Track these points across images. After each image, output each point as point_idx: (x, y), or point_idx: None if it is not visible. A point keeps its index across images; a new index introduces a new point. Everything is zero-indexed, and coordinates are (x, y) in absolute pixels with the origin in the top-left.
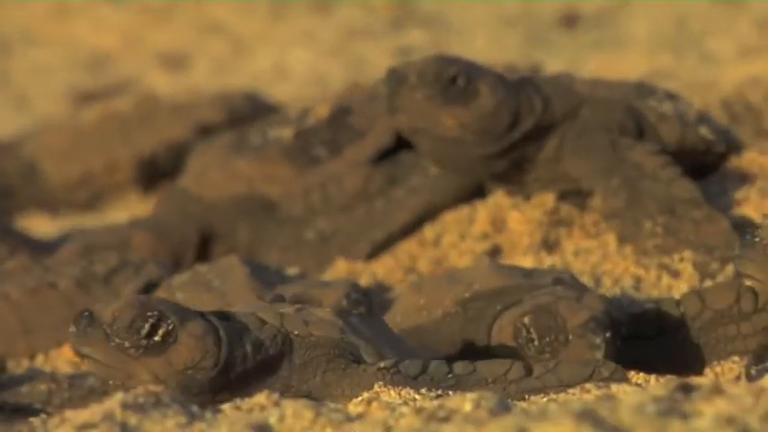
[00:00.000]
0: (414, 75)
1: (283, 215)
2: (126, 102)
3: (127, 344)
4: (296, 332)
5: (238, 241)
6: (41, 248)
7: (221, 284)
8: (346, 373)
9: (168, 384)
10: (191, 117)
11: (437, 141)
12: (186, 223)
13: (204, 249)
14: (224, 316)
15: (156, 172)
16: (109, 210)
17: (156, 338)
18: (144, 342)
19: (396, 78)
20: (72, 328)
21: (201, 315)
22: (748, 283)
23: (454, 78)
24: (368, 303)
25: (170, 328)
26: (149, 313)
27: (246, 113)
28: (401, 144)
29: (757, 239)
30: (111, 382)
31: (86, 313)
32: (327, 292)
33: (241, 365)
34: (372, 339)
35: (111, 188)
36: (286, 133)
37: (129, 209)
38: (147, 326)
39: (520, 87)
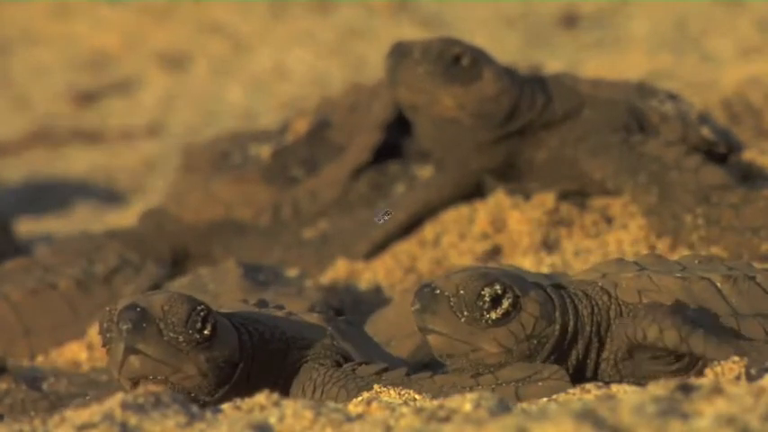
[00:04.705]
0: (418, 49)
1: (258, 230)
2: None
3: (180, 338)
4: (289, 334)
5: (213, 262)
6: (15, 253)
7: (216, 287)
8: (335, 376)
9: (210, 379)
10: None
11: (434, 122)
12: (162, 241)
13: (178, 268)
14: (227, 314)
15: None
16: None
17: (206, 332)
18: (197, 336)
19: (400, 51)
20: (126, 325)
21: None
22: (430, 338)
23: (458, 58)
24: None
25: (215, 322)
26: (200, 308)
27: None
28: (387, 154)
29: (438, 291)
30: (152, 377)
31: (138, 308)
32: (294, 302)
33: (249, 360)
34: (360, 344)
35: None
36: (264, 151)
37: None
38: (199, 320)
39: (525, 82)
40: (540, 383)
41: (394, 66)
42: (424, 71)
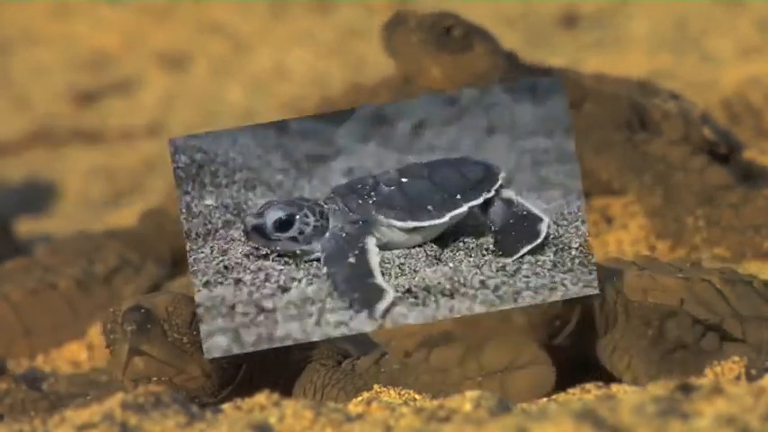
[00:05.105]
0: (413, 19)
1: None
2: None
3: (185, 339)
4: None
5: None
6: (15, 253)
7: None
8: (334, 377)
9: (214, 380)
10: None
11: None
12: (162, 241)
13: (178, 268)
14: None
15: None
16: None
17: None
18: (200, 338)
19: (396, 20)
20: (130, 326)
21: None
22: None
23: (450, 29)
24: None
25: None
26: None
27: None
28: None
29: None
30: (154, 379)
31: (142, 310)
32: None
33: (252, 361)
34: (360, 344)
35: None
36: None
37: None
38: None
39: (525, 67)
40: (521, 371)
41: (389, 35)
42: (416, 40)
